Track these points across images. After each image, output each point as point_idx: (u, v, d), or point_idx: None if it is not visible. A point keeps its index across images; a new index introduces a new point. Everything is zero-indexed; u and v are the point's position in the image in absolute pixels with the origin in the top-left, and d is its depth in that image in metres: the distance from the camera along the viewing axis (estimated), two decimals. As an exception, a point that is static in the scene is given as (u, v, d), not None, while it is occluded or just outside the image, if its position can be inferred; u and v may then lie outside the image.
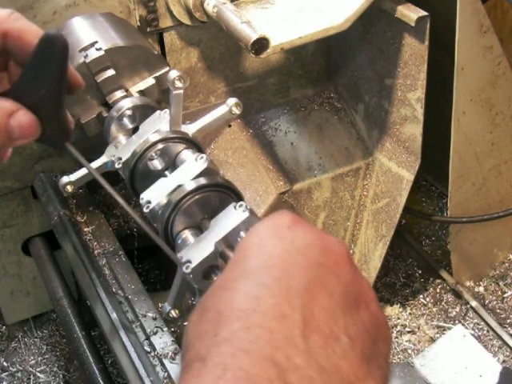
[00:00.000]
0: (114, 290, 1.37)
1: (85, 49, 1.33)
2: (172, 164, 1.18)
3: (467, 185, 1.83)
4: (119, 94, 1.36)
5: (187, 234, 1.05)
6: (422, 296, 2.04)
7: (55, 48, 0.69)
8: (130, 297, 1.35)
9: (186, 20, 1.57)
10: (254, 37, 1.30)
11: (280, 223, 0.60)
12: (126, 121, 1.31)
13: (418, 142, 1.70)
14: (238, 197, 1.07)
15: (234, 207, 0.98)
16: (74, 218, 1.55)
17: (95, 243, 1.49)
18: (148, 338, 1.26)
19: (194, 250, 0.98)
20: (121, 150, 1.26)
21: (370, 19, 1.68)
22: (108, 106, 1.37)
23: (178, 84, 1.13)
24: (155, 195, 1.12)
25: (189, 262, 0.96)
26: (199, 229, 1.06)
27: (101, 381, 1.36)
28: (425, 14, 1.51)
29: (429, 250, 2.14)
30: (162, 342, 1.25)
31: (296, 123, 1.89)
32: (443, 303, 2.00)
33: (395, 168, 1.80)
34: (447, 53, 1.62)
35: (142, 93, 1.39)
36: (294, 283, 0.54)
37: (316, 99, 1.94)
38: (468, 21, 1.56)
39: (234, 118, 1.77)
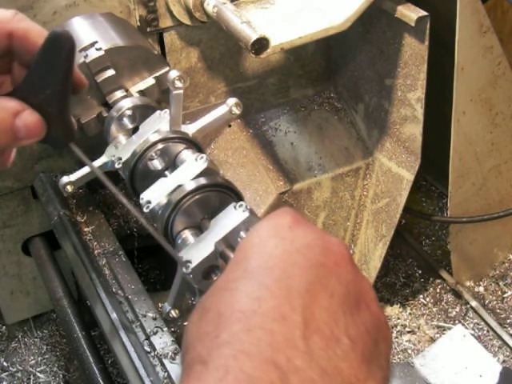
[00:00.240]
0: (114, 290, 1.37)
1: (85, 49, 1.33)
2: (172, 164, 1.18)
3: (467, 185, 1.83)
4: (119, 93, 1.36)
5: (187, 234, 1.05)
6: (421, 296, 2.03)
7: (62, 46, 0.69)
8: (130, 297, 1.35)
9: (186, 20, 1.57)
10: (254, 37, 1.30)
11: (280, 223, 0.60)
12: (125, 121, 1.31)
13: (418, 142, 1.70)
14: (238, 197, 1.07)
15: (234, 207, 0.98)
16: (74, 217, 1.54)
17: (95, 243, 1.49)
18: (148, 337, 1.26)
19: (194, 250, 0.98)
20: (121, 150, 1.26)
21: (370, 19, 1.68)
22: (108, 106, 1.37)
23: (178, 84, 1.13)
24: (155, 195, 1.12)
25: (189, 262, 0.96)
26: (199, 229, 1.06)
27: (101, 381, 1.35)
28: (425, 14, 1.51)
29: (429, 250, 2.14)
30: (162, 341, 1.25)
31: (296, 123, 1.89)
32: (443, 303, 2.00)
33: (395, 168, 1.80)
34: (447, 53, 1.62)
35: (142, 93, 1.39)
36: (294, 284, 0.54)
37: (316, 99, 1.94)
38: (468, 21, 1.56)
39: (234, 118, 1.77)
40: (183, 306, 1.06)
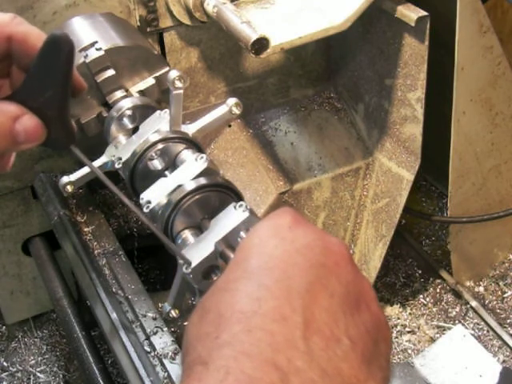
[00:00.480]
0: (114, 290, 1.37)
1: (85, 49, 1.33)
2: (172, 164, 1.18)
3: (467, 185, 1.83)
4: (119, 94, 1.36)
5: (187, 234, 1.05)
6: (421, 296, 2.03)
7: (61, 49, 0.68)
8: (130, 297, 1.35)
9: (186, 20, 1.57)
10: (253, 37, 1.30)
11: (280, 223, 0.60)
12: (126, 121, 1.31)
13: (418, 142, 1.70)
14: (238, 197, 1.07)
15: (234, 207, 0.98)
16: (74, 217, 1.54)
17: (95, 243, 1.49)
18: (148, 337, 1.26)
19: (194, 250, 0.98)
20: (121, 150, 1.26)
21: (370, 19, 1.68)
22: (108, 106, 1.36)
23: (178, 84, 1.13)
24: (155, 195, 1.12)
25: (189, 262, 0.96)
26: (199, 229, 1.06)
27: (101, 381, 1.35)
28: (425, 14, 1.51)
29: (429, 250, 2.14)
30: (162, 341, 1.25)
31: (296, 123, 1.89)
32: (443, 303, 2.00)
33: (395, 168, 1.80)
34: (447, 53, 1.62)
35: (142, 93, 1.39)
36: (294, 284, 0.54)
37: (316, 99, 1.94)
38: (468, 21, 1.56)
39: (234, 118, 1.77)
40: (183, 306, 1.06)
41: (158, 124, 1.23)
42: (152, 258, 2.06)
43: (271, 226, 0.60)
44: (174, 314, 1.06)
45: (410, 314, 2.00)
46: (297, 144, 1.86)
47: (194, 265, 0.96)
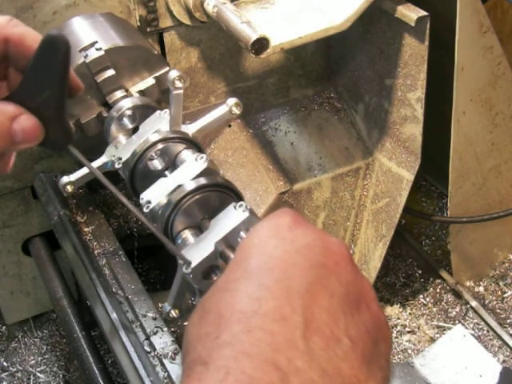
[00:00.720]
0: (114, 290, 1.37)
1: (85, 49, 1.33)
2: (172, 164, 1.18)
3: (467, 185, 1.83)
4: (119, 94, 1.36)
5: (187, 234, 1.05)
6: (421, 296, 2.04)
7: (58, 49, 0.68)
8: (130, 297, 1.35)
9: (186, 20, 1.57)
10: (254, 37, 1.30)
11: (280, 223, 0.60)
12: (126, 121, 1.31)
13: (418, 142, 1.70)
14: (238, 197, 1.07)
15: (234, 207, 0.98)
16: (74, 218, 1.55)
17: (95, 243, 1.49)
18: (148, 337, 1.26)
19: (194, 250, 0.98)
20: (121, 150, 1.26)
21: (370, 19, 1.68)
22: (108, 106, 1.36)
23: (178, 84, 1.13)
24: (155, 195, 1.12)
25: (189, 262, 0.96)
26: (199, 229, 1.06)
27: (101, 381, 1.36)
28: (425, 14, 1.51)
29: (429, 250, 2.14)
30: (162, 341, 1.25)
31: (296, 123, 1.89)
32: (443, 303, 2.00)
33: (395, 168, 1.80)
34: (447, 53, 1.62)
35: (142, 93, 1.39)
36: (294, 284, 0.54)
37: (316, 99, 1.94)
38: (468, 21, 1.56)
39: (234, 118, 1.77)
40: (183, 306, 1.06)
41: (158, 124, 1.23)
42: (152, 258, 2.06)
43: (271, 226, 0.60)
44: (173, 313, 1.06)
45: (410, 314, 2.00)
46: (297, 144, 1.86)
47: (193, 265, 0.96)
